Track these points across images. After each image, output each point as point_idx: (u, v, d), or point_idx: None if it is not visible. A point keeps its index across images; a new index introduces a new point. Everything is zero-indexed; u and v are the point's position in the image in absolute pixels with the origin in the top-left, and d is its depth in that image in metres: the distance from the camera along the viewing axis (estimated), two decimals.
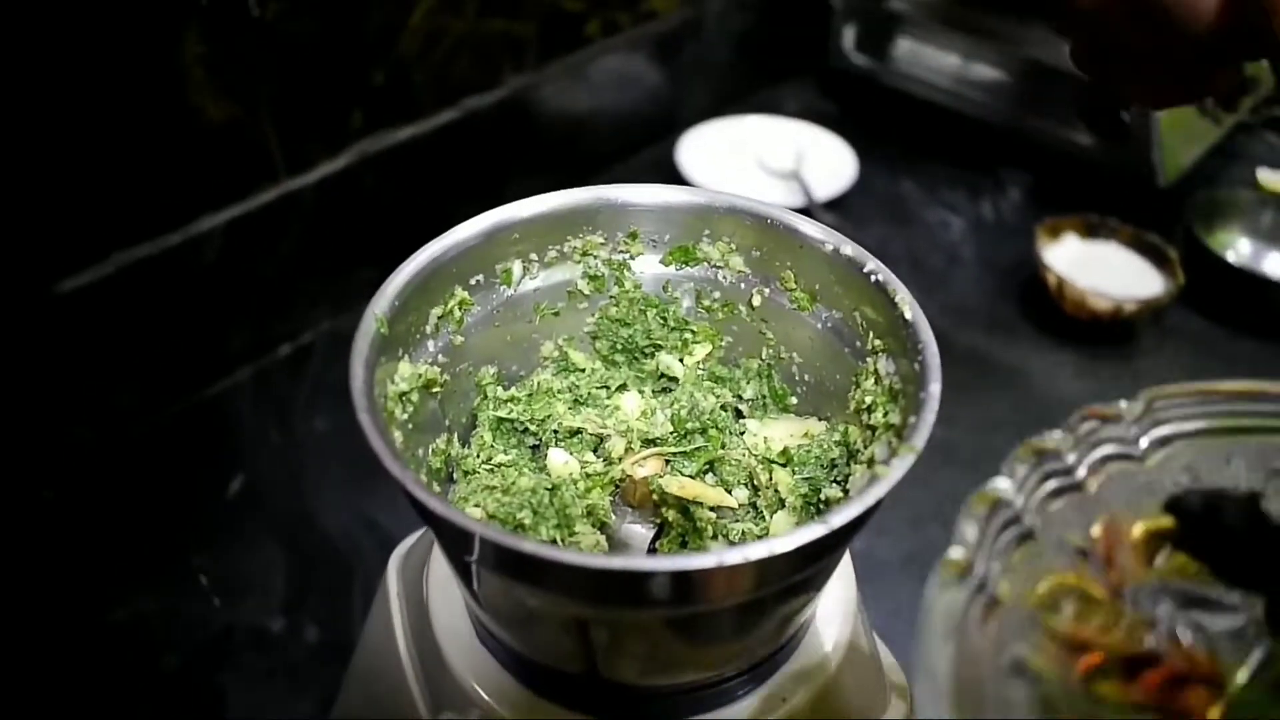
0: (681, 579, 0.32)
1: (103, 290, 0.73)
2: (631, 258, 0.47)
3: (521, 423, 0.45)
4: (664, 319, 0.48)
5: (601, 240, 0.46)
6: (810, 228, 0.44)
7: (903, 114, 1.20)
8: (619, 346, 0.48)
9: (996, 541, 0.29)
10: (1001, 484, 0.31)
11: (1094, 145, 1.07)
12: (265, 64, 0.76)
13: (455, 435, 0.44)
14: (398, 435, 0.39)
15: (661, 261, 0.47)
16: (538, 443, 0.46)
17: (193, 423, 0.83)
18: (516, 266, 0.45)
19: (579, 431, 0.45)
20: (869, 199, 1.12)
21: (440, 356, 0.43)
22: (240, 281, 0.82)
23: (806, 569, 0.34)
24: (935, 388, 0.36)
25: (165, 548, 0.74)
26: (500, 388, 0.46)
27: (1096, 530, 0.31)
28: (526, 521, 0.40)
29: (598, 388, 0.47)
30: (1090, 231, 1.02)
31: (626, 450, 0.44)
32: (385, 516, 0.75)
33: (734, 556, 0.31)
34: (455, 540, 0.35)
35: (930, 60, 1.16)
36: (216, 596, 0.72)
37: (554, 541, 0.40)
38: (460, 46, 0.90)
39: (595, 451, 0.45)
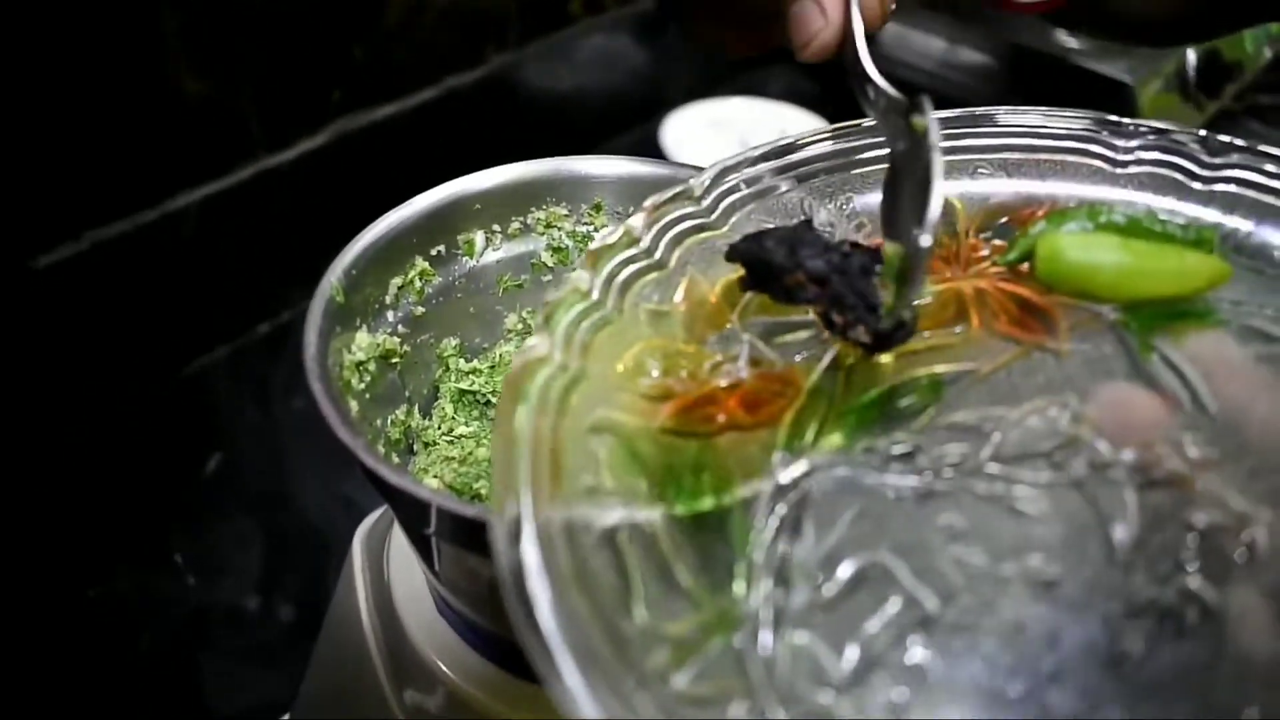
0: None
1: (77, 267, 0.72)
2: (595, 230, 0.47)
3: (484, 395, 0.45)
4: None
5: (565, 212, 0.46)
6: None
7: None
8: None
9: (577, 331, 0.29)
10: (579, 278, 0.31)
11: None
12: (244, 39, 0.76)
13: (416, 407, 0.44)
14: (354, 405, 0.38)
15: None
16: None
17: (170, 401, 0.82)
18: (479, 238, 0.45)
19: None
20: None
21: (400, 327, 0.43)
22: (218, 259, 0.82)
23: None
24: None
25: (142, 526, 0.74)
26: (462, 360, 0.46)
27: (679, 295, 0.32)
28: (484, 491, 0.40)
29: None
30: None
31: None
32: (362, 495, 0.74)
33: None
34: (407, 509, 0.35)
35: (915, 44, 1.15)
36: (192, 575, 0.72)
37: None
38: (442, 23, 0.89)
39: None
